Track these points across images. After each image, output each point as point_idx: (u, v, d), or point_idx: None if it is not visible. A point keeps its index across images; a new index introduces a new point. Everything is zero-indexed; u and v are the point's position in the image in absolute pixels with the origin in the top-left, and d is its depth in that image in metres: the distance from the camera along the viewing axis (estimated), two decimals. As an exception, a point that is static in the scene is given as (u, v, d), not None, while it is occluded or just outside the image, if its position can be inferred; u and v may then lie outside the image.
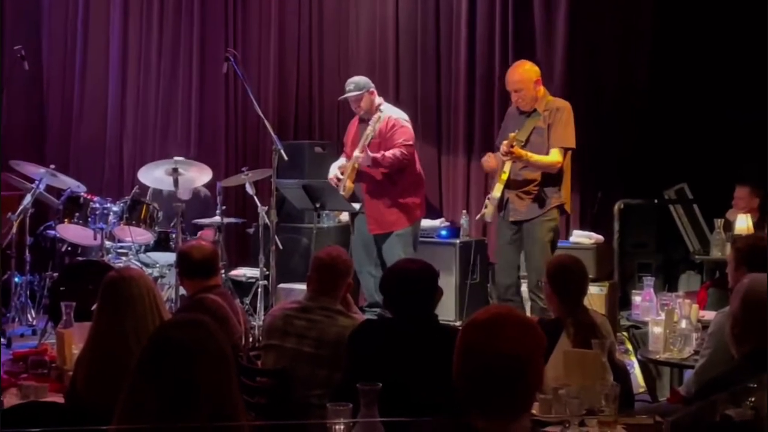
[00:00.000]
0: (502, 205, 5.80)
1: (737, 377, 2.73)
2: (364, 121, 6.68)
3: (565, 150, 5.70)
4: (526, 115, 5.81)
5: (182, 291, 5.43)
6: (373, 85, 6.76)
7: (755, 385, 2.56)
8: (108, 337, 3.19)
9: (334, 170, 6.79)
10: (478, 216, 6.14)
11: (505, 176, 5.68)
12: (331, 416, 2.67)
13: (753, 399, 2.57)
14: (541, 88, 5.81)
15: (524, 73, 5.81)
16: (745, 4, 6.93)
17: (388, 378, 2.81)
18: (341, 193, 6.53)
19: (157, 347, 2.08)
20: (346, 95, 6.74)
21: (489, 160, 5.89)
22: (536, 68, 5.87)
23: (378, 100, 6.73)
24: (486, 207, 5.83)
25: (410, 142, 6.60)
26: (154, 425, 1.98)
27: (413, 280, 3.41)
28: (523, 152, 5.58)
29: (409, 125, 6.69)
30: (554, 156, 5.65)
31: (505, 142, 5.61)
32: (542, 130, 5.70)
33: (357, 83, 6.71)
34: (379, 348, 3.30)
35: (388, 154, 6.48)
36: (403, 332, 3.32)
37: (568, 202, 5.85)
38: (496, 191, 5.73)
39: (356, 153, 6.54)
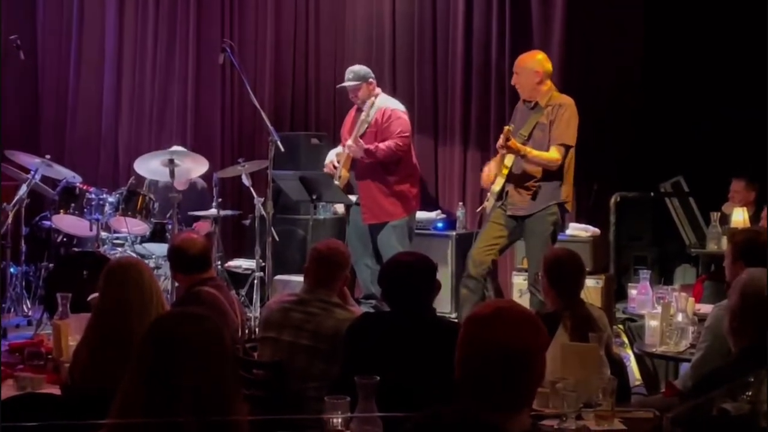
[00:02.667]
0: (501, 196, 5.78)
1: (735, 372, 2.73)
2: (361, 111, 6.68)
3: (566, 148, 5.64)
4: (530, 109, 5.79)
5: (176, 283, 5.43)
6: (372, 75, 6.76)
7: (753, 379, 2.57)
8: (112, 320, 3.18)
9: (331, 157, 6.80)
10: (478, 209, 6.12)
11: (506, 170, 5.67)
12: (329, 409, 2.67)
13: (750, 393, 2.57)
14: (547, 83, 5.75)
15: (530, 62, 5.77)
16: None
17: (385, 371, 2.81)
18: (336, 182, 6.53)
19: (158, 341, 2.06)
20: (344, 84, 6.74)
21: (487, 172, 5.85)
22: (546, 64, 5.77)
23: (377, 91, 6.73)
24: (487, 200, 5.82)
25: (406, 134, 6.59)
26: (152, 419, 1.97)
27: (412, 274, 3.40)
28: (519, 146, 5.56)
29: (405, 116, 6.69)
30: (553, 153, 5.60)
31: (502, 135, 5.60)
32: (544, 125, 5.67)
33: (356, 73, 6.70)
34: (377, 341, 3.29)
35: (382, 145, 6.48)
36: (401, 326, 3.31)
37: (570, 201, 5.78)
38: (497, 185, 5.71)
39: (349, 142, 6.54)
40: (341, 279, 3.90)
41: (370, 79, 6.70)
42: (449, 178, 7.76)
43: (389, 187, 6.61)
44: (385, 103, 6.68)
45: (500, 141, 5.57)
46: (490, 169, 5.85)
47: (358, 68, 6.79)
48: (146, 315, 3.15)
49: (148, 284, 3.24)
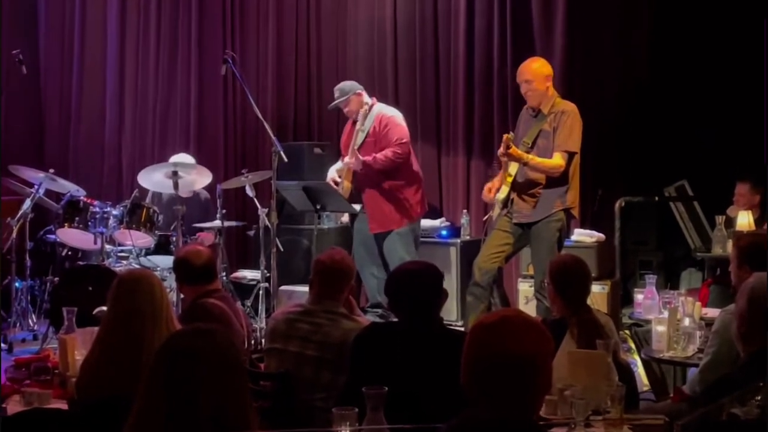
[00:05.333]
0: (506, 204, 5.77)
1: (744, 377, 2.72)
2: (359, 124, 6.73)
3: (569, 154, 5.63)
4: (533, 116, 5.79)
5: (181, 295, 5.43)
6: (359, 87, 6.82)
7: (762, 384, 2.56)
8: (121, 331, 3.17)
9: (331, 173, 6.84)
10: (485, 218, 6.13)
11: (510, 179, 5.67)
12: (337, 420, 2.66)
13: (759, 398, 2.56)
14: (551, 89, 5.77)
15: (538, 67, 5.77)
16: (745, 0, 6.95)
17: (393, 382, 2.80)
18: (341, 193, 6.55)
19: (173, 357, 2.06)
20: (332, 104, 6.83)
21: (488, 186, 5.85)
22: (550, 68, 5.80)
23: (367, 99, 6.77)
24: (493, 209, 5.82)
25: (404, 140, 6.63)
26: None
27: (418, 283, 3.39)
28: (521, 153, 5.56)
29: (403, 123, 6.73)
30: (556, 160, 5.59)
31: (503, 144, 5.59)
32: (548, 133, 5.66)
33: (341, 89, 6.82)
34: (385, 351, 3.28)
35: (380, 156, 6.52)
36: (409, 335, 3.30)
37: (575, 207, 5.76)
38: (502, 193, 5.72)
39: (346, 159, 6.60)
40: (347, 289, 3.89)
41: (357, 91, 6.77)
42: (453, 186, 7.75)
43: (392, 194, 6.63)
44: (382, 111, 6.73)
45: (500, 149, 5.57)
46: (492, 184, 5.84)
47: (342, 84, 6.91)
48: (156, 327, 3.14)
49: (159, 296, 3.24)
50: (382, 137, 6.61)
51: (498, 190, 5.78)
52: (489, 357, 2.09)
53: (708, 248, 6.52)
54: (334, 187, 6.62)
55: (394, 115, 6.74)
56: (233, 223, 7.43)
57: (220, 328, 2.19)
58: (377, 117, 6.68)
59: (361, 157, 6.50)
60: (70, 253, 7.17)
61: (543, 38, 7.27)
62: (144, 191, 7.20)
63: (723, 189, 6.73)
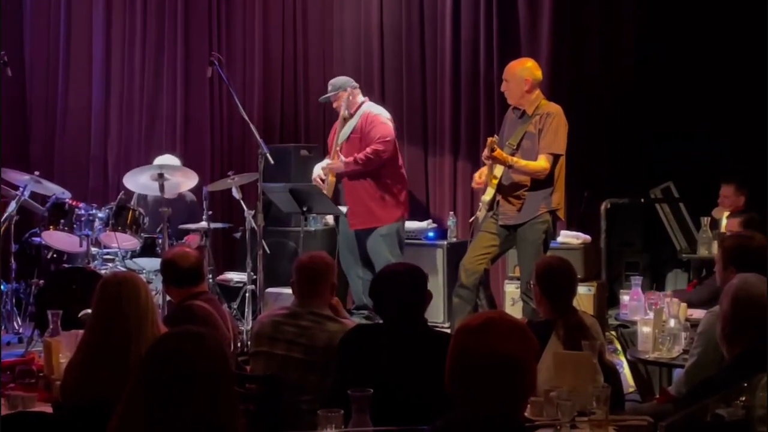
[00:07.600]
0: (492, 206, 5.78)
1: (729, 378, 2.73)
2: (346, 120, 6.74)
3: (554, 156, 5.63)
4: (518, 118, 5.79)
5: (167, 297, 5.42)
6: (353, 83, 6.86)
7: (747, 385, 2.57)
8: (106, 334, 3.16)
9: (317, 170, 6.84)
10: (471, 219, 6.13)
11: (496, 181, 5.67)
12: (322, 422, 2.66)
13: (744, 399, 2.57)
14: (536, 92, 5.74)
15: (520, 69, 5.76)
16: (729, 3, 6.98)
17: (379, 383, 2.80)
18: (324, 192, 6.55)
19: (160, 361, 2.06)
20: (324, 96, 6.86)
21: (478, 178, 5.85)
22: (535, 72, 5.75)
23: (361, 98, 6.79)
24: (479, 211, 5.83)
25: (387, 139, 6.63)
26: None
27: (402, 285, 3.39)
28: (505, 156, 5.56)
29: (389, 122, 6.74)
30: (541, 162, 5.59)
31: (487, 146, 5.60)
32: (533, 135, 5.66)
33: (334, 83, 6.88)
34: (370, 353, 3.28)
35: (360, 155, 6.55)
36: (394, 337, 3.31)
37: (561, 208, 5.75)
38: (487, 195, 5.72)
39: (327, 160, 6.62)
40: (327, 288, 3.89)
41: (350, 86, 6.80)
42: (440, 188, 7.76)
43: (376, 191, 6.65)
44: (369, 110, 6.76)
45: (485, 152, 5.57)
46: (481, 172, 5.83)
47: (336, 79, 6.97)
48: (141, 330, 3.14)
49: (144, 299, 3.23)
50: (366, 134, 6.64)
51: (485, 189, 5.78)
52: (473, 358, 2.09)
53: (693, 250, 6.56)
54: (320, 187, 6.62)
55: (380, 113, 6.76)
56: (219, 225, 7.41)
57: (209, 332, 2.19)
58: (364, 115, 6.70)
59: (343, 159, 6.53)
60: (55, 255, 7.14)
61: (529, 40, 7.28)
62: (130, 193, 7.18)
63: (708, 191, 6.77)
